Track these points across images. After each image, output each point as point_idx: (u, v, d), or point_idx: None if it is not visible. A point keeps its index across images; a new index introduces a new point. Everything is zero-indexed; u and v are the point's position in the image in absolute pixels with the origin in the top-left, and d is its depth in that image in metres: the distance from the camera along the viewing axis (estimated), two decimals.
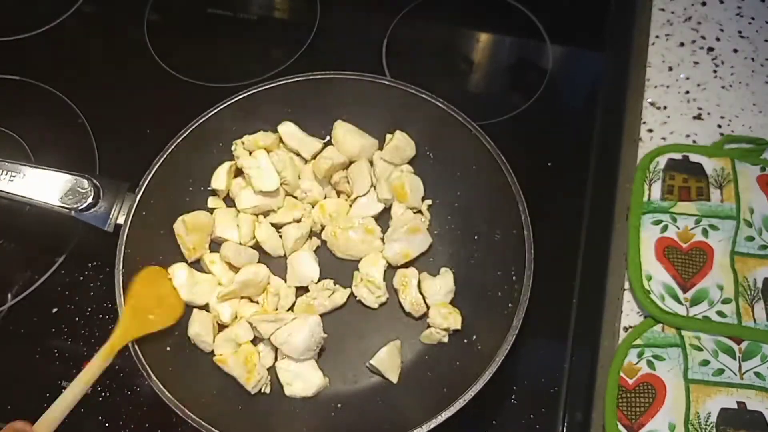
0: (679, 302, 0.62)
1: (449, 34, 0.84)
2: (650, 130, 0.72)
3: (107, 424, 0.62)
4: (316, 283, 0.65)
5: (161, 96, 0.81)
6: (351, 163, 0.70)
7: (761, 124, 0.71)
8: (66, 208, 0.61)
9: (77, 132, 0.78)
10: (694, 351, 0.60)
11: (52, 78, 0.82)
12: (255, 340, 0.63)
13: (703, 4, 0.79)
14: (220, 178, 0.68)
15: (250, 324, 0.62)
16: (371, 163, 0.70)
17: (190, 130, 0.66)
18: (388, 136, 0.69)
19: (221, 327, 0.64)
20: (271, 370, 0.63)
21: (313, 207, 0.69)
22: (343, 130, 0.69)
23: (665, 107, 0.73)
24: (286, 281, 0.66)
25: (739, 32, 0.77)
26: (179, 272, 0.63)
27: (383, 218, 0.69)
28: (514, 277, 0.60)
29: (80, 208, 0.61)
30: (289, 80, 0.68)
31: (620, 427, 0.58)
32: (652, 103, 0.73)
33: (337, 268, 0.67)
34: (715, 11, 0.78)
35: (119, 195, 0.62)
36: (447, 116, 0.66)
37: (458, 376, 0.58)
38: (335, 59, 0.81)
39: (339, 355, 0.64)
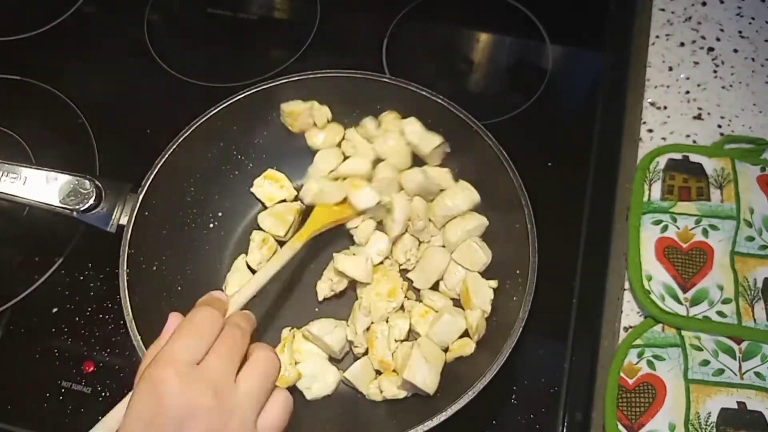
0: (679, 302, 0.62)
1: (449, 34, 0.84)
2: (650, 130, 0.72)
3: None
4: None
5: (161, 96, 0.81)
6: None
7: (761, 124, 0.71)
8: (68, 209, 0.61)
9: (77, 132, 0.78)
10: (694, 351, 0.60)
11: (52, 78, 0.81)
12: None
13: (704, 4, 0.79)
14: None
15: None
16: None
17: (192, 129, 0.66)
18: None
19: None
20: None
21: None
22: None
23: (665, 107, 0.73)
24: None
25: (740, 32, 0.77)
26: None
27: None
28: (517, 271, 0.60)
29: (82, 209, 0.60)
30: (290, 80, 0.68)
31: (620, 427, 0.58)
32: (652, 103, 0.73)
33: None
34: (716, 11, 0.78)
35: (121, 196, 0.62)
36: (449, 114, 0.66)
37: (464, 370, 0.59)
38: (335, 59, 0.81)
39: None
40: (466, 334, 0.62)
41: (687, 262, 0.64)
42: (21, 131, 0.79)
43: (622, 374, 0.60)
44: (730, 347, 0.60)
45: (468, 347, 0.61)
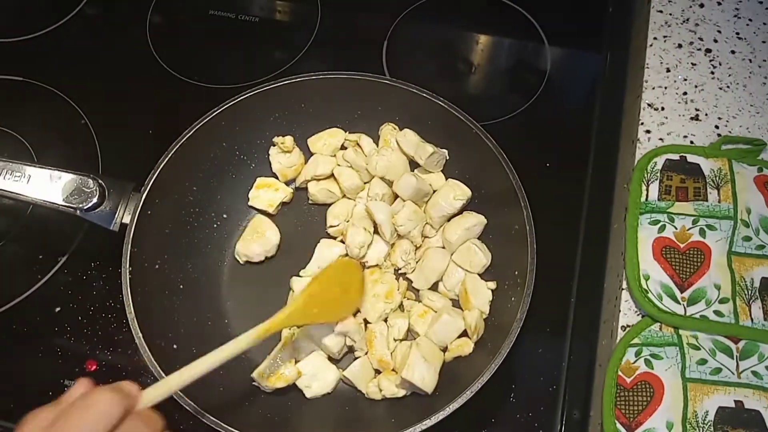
0: (677, 302, 0.62)
1: (448, 36, 0.85)
2: (648, 131, 0.72)
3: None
4: None
5: (163, 97, 0.81)
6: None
7: (758, 124, 0.72)
8: (71, 207, 0.61)
9: (80, 133, 0.79)
10: (691, 350, 0.60)
11: (55, 79, 0.82)
12: None
13: (701, 5, 0.80)
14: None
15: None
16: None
17: (194, 130, 0.66)
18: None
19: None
20: None
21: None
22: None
23: (663, 108, 0.73)
24: None
25: (737, 33, 0.77)
26: None
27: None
28: (516, 272, 0.60)
29: (85, 207, 0.61)
30: (292, 81, 0.69)
31: (618, 425, 0.58)
32: (649, 104, 0.74)
33: None
34: (713, 13, 0.79)
35: (124, 195, 0.63)
36: (449, 115, 0.66)
37: (462, 369, 0.59)
38: (336, 60, 0.82)
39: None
40: (464, 334, 0.62)
41: (684, 262, 0.64)
42: (24, 132, 0.80)
43: (619, 373, 0.60)
44: (728, 346, 0.61)
45: (467, 347, 0.61)
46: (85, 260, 0.71)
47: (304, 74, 0.69)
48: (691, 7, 0.79)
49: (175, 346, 0.61)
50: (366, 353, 0.63)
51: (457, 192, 0.66)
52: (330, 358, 0.64)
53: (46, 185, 0.61)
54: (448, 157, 0.69)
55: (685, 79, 0.75)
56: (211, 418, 0.55)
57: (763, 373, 0.59)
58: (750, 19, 0.78)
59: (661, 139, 0.72)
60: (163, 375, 0.56)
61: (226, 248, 0.71)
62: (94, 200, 0.61)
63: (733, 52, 0.76)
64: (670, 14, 0.79)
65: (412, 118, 0.69)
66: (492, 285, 0.64)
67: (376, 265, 0.67)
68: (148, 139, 0.77)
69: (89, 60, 0.85)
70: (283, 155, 0.71)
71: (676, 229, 0.66)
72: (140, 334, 0.57)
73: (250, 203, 0.71)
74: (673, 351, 0.61)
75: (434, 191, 0.68)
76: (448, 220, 0.68)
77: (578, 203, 0.71)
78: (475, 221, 0.66)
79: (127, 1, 0.90)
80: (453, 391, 0.55)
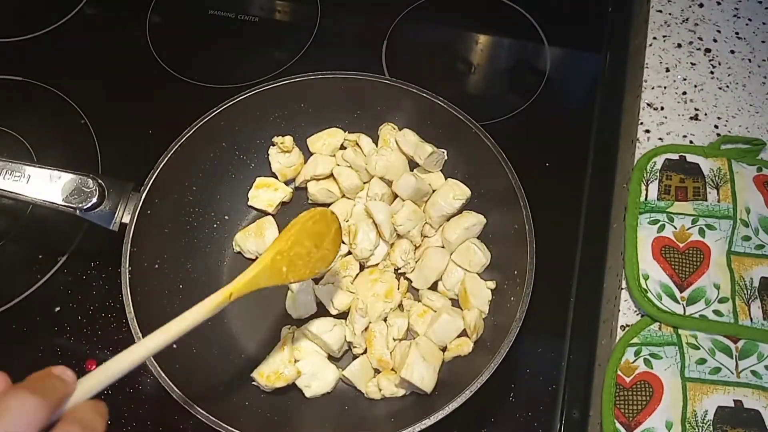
0: (676, 301, 0.62)
1: (448, 36, 0.85)
2: (647, 131, 0.72)
3: (108, 423, 0.63)
4: None
5: (163, 97, 0.81)
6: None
7: (758, 124, 0.72)
8: (71, 207, 0.61)
9: (80, 133, 0.79)
10: (691, 349, 0.61)
11: (54, 79, 0.82)
12: None
13: (701, 5, 0.80)
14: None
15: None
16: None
17: (194, 130, 0.66)
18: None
19: None
20: None
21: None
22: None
23: (662, 108, 0.74)
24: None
25: (736, 33, 0.78)
26: None
27: None
28: (515, 271, 0.61)
29: (85, 207, 0.61)
30: (291, 81, 0.69)
31: (617, 425, 0.58)
32: (649, 104, 0.74)
33: None
34: (713, 12, 0.79)
35: (124, 194, 0.63)
36: (448, 115, 0.66)
37: (462, 369, 0.59)
38: (335, 60, 0.82)
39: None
40: (464, 333, 0.62)
41: (684, 262, 0.64)
42: (24, 132, 0.80)
43: (619, 372, 0.61)
44: (727, 346, 0.61)
45: (466, 346, 0.62)
46: (85, 260, 0.71)
47: (304, 74, 0.69)
48: (690, 6, 0.79)
49: (174, 346, 0.61)
50: (365, 352, 0.63)
51: (457, 192, 0.66)
52: (330, 358, 0.64)
53: (45, 185, 0.61)
54: (447, 157, 0.69)
55: (685, 79, 0.75)
56: (211, 417, 0.55)
57: (762, 372, 0.59)
58: (749, 19, 0.78)
59: (660, 138, 0.72)
60: (163, 375, 0.56)
61: (226, 248, 0.71)
62: (94, 200, 0.61)
63: (732, 51, 0.76)
64: (670, 14, 0.79)
65: (411, 118, 0.69)
66: (491, 284, 0.64)
67: (376, 265, 0.67)
68: (147, 139, 0.77)
69: (89, 60, 0.85)
70: (282, 155, 0.71)
71: (676, 228, 0.66)
72: (140, 334, 0.57)
73: (249, 203, 0.71)
74: (672, 350, 0.61)
75: (433, 191, 0.68)
76: (448, 219, 0.68)
77: (578, 203, 0.71)
78: (475, 221, 0.66)
79: (127, 1, 0.90)
80: (452, 391, 0.55)
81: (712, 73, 0.75)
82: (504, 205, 0.63)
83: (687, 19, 0.79)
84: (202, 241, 0.69)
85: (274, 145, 0.72)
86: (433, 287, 0.67)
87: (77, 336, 0.68)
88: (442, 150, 0.69)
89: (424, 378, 0.58)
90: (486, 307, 0.63)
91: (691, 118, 0.73)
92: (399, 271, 0.67)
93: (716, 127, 0.72)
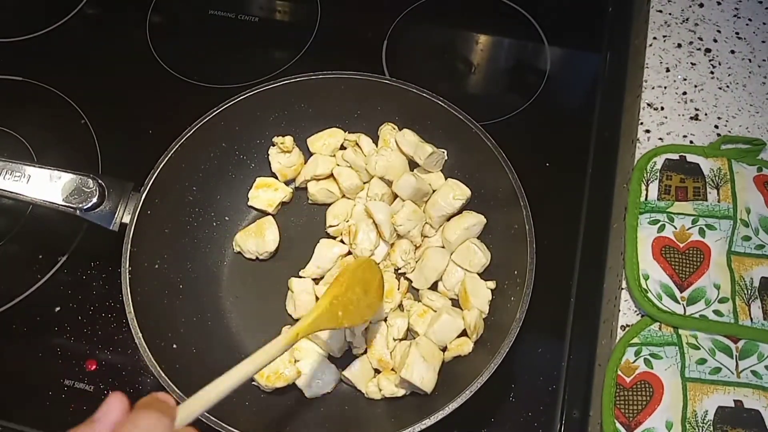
0: (676, 301, 0.62)
1: (448, 36, 0.85)
2: (647, 131, 0.72)
3: None
4: None
5: (163, 97, 0.81)
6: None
7: (758, 124, 0.72)
8: (71, 207, 0.61)
9: (80, 133, 0.79)
10: (691, 350, 0.61)
11: (55, 79, 0.82)
12: None
13: (701, 5, 0.80)
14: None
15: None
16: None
17: (194, 130, 0.66)
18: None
19: None
20: None
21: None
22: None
23: (662, 108, 0.74)
24: None
25: (736, 33, 0.78)
26: None
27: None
28: (515, 271, 0.61)
29: (85, 207, 0.61)
30: (291, 81, 0.69)
31: (618, 425, 0.58)
32: (649, 104, 0.74)
33: None
34: (713, 12, 0.79)
35: (124, 194, 0.63)
36: (448, 115, 0.66)
37: (462, 369, 0.59)
38: (335, 60, 0.82)
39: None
40: (464, 333, 0.62)
41: (684, 262, 0.64)
42: (24, 132, 0.80)
43: (619, 372, 0.61)
44: (727, 346, 0.61)
45: (466, 346, 0.62)
46: (85, 260, 0.71)
47: (304, 74, 0.69)
48: (690, 6, 0.79)
49: (174, 346, 0.61)
50: (365, 352, 0.63)
51: (457, 192, 0.66)
52: (330, 358, 0.64)
53: (45, 185, 0.61)
54: (447, 157, 0.69)
55: (685, 79, 0.75)
56: (211, 417, 0.55)
57: (762, 372, 0.59)
58: (750, 19, 0.78)
59: (660, 138, 0.72)
60: (163, 375, 0.56)
61: (226, 248, 0.71)
62: (94, 200, 0.61)
63: (732, 51, 0.76)
64: (670, 14, 0.79)
65: (411, 118, 0.69)
66: (491, 284, 0.64)
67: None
68: (147, 139, 0.77)
69: (89, 60, 0.85)
70: (282, 155, 0.71)
71: (676, 228, 0.66)
72: (140, 334, 0.57)
73: (249, 203, 0.72)
74: (672, 350, 0.61)
75: (434, 191, 0.68)
76: (448, 219, 0.68)
77: (578, 203, 0.71)
78: (475, 221, 0.66)
79: (127, 1, 0.90)
80: (452, 391, 0.55)
81: (712, 73, 0.75)
82: (504, 205, 0.63)
83: (687, 19, 0.79)
84: (202, 241, 0.69)
85: (274, 145, 0.72)
86: (433, 287, 0.67)
87: (77, 336, 0.68)
88: (442, 150, 0.69)
89: (424, 378, 0.58)
90: (486, 307, 0.63)
91: (691, 118, 0.73)
92: (399, 271, 0.67)
93: (716, 127, 0.72)
